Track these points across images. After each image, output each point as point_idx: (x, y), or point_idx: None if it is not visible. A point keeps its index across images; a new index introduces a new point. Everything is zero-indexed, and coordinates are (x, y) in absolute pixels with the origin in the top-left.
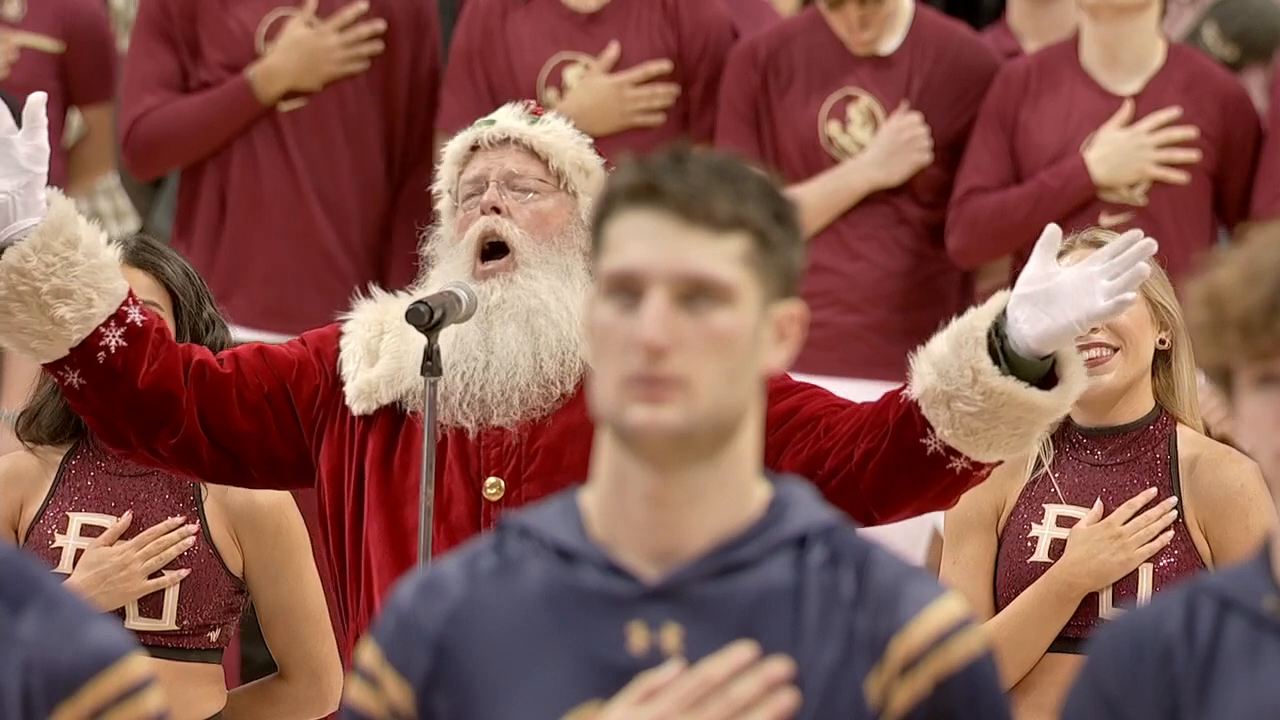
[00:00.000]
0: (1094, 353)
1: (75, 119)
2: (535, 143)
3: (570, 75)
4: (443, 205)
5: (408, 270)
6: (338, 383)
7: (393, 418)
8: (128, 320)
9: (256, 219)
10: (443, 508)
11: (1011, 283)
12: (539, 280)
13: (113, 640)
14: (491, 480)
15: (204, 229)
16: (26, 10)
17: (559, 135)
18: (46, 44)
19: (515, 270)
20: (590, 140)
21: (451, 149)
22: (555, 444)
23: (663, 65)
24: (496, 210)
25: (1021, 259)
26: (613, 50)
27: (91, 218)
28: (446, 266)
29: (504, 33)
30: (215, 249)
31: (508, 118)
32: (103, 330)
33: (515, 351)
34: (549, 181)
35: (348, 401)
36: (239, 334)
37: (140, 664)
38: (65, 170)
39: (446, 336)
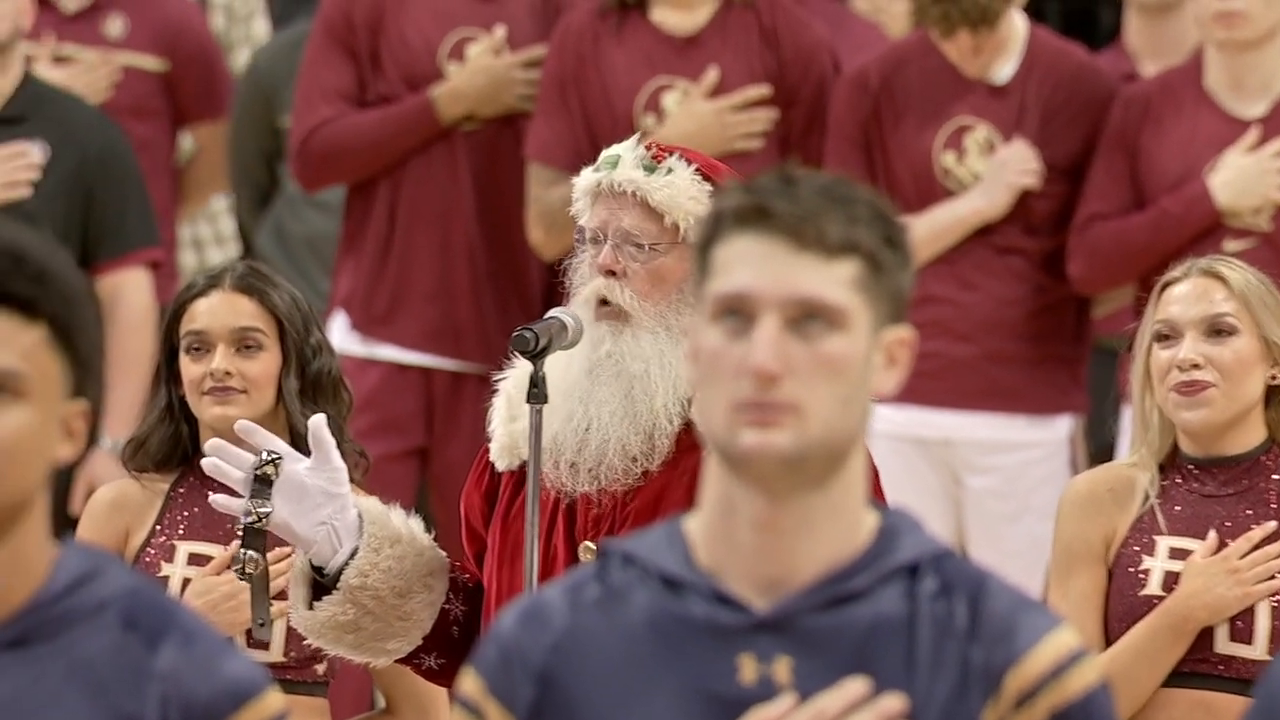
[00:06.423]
0: (1194, 386)
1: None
2: (652, 199)
3: (668, 100)
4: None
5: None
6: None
7: (521, 476)
8: (460, 585)
9: (427, 238)
10: (549, 566)
11: (1135, 310)
12: (646, 344)
13: (250, 675)
14: (585, 545)
15: (374, 247)
16: (129, 29)
17: (677, 189)
18: (150, 63)
19: (628, 326)
20: (710, 188)
21: (579, 184)
22: (647, 509)
23: (762, 89)
24: (612, 273)
25: (1144, 286)
26: (712, 74)
27: (192, 245)
28: (578, 301)
29: (597, 58)
30: (383, 267)
31: (627, 163)
32: (447, 607)
33: (608, 422)
34: (666, 236)
35: (491, 458)
36: (403, 355)
37: (276, 699)
38: (176, 192)
39: (560, 385)
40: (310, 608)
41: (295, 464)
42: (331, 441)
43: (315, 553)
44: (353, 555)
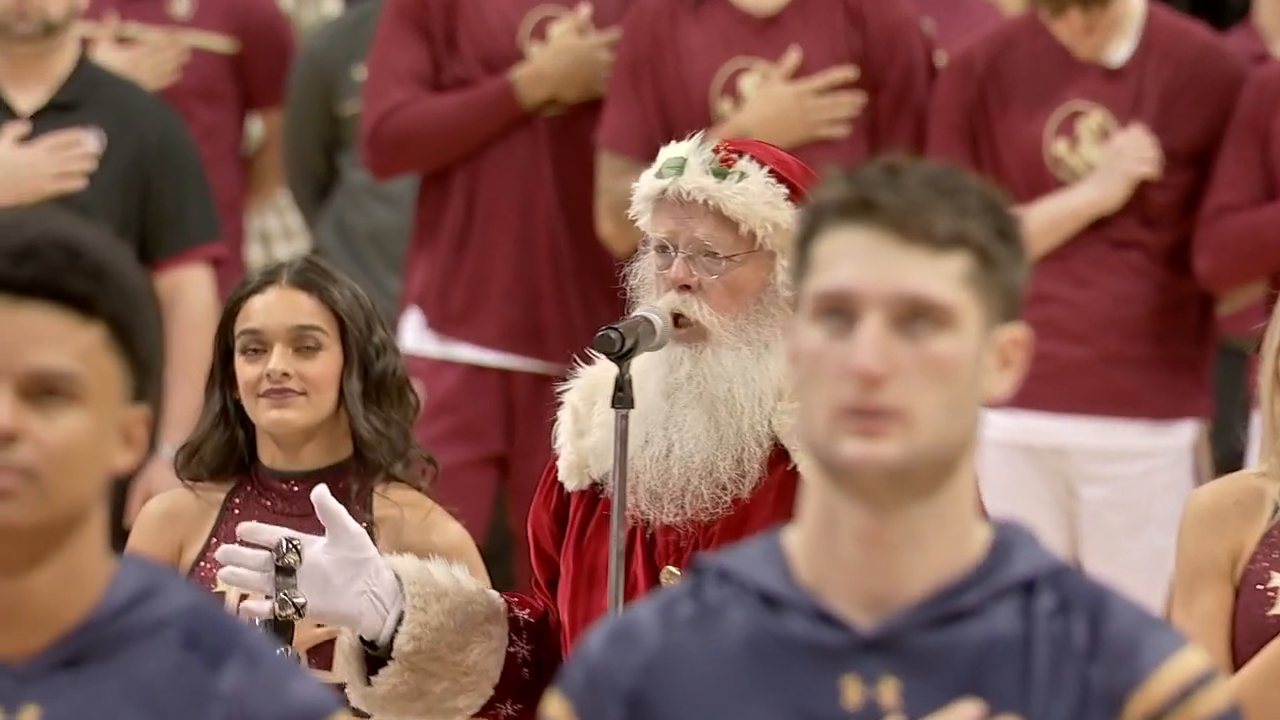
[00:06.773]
0: None
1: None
2: (726, 208)
3: (747, 84)
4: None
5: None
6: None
7: (592, 496)
8: (521, 624)
9: (507, 231)
10: (629, 593)
11: (1265, 308)
12: (728, 362)
13: (318, 697)
14: (668, 570)
15: (450, 240)
16: (196, 8)
17: (751, 195)
18: (219, 44)
19: (706, 344)
20: (785, 191)
21: (640, 189)
22: (732, 529)
23: (847, 71)
24: (686, 287)
25: (1274, 282)
26: (793, 56)
27: (259, 239)
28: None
29: (673, 39)
30: (460, 262)
31: (694, 169)
32: (512, 650)
33: (692, 449)
34: (743, 245)
35: (560, 477)
36: (482, 356)
37: None
38: (244, 182)
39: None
40: (369, 683)
41: (309, 548)
42: (340, 509)
43: (365, 626)
44: (400, 620)
